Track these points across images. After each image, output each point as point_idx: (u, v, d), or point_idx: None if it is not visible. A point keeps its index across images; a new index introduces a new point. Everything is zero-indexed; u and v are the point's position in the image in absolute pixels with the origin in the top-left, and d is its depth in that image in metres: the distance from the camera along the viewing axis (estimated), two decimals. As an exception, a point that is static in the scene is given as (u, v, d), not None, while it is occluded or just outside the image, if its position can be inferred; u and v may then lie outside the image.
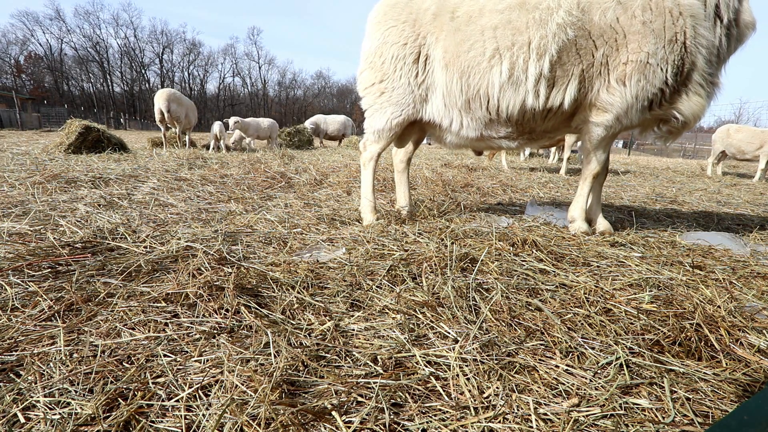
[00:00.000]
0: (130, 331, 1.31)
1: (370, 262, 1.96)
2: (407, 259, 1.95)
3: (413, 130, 2.93)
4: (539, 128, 2.51)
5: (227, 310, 1.43)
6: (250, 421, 0.92)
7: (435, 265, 1.84)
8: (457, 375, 1.12)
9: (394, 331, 1.34)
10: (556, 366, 1.18)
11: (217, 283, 1.59)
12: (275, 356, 1.19)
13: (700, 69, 2.16)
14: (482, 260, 1.88)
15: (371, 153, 2.76)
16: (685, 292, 1.67)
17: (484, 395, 1.06)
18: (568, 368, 1.17)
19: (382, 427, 0.94)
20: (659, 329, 1.36)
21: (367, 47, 2.64)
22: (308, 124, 14.45)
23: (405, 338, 1.30)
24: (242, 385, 1.06)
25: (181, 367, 1.15)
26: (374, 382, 1.09)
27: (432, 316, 1.44)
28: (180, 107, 9.57)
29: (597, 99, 2.28)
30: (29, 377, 1.08)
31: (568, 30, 2.14)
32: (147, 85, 56.67)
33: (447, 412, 1.00)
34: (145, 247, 2.05)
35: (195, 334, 1.31)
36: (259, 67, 67.39)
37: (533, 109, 2.33)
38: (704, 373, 1.17)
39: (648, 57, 2.11)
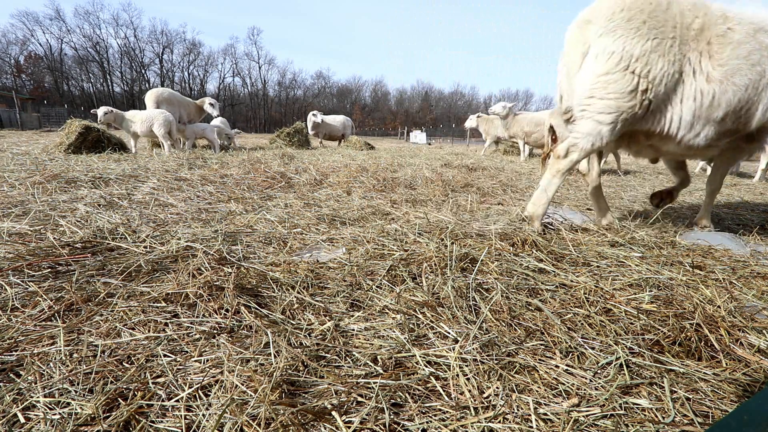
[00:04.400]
0: (130, 331, 1.31)
1: (370, 262, 1.95)
2: (407, 259, 1.95)
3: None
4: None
5: (227, 310, 1.43)
6: (250, 421, 0.92)
7: (435, 265, 1.84)
8: (457, 375, 1.12)
9: (394, 331, 1.34)
10: (556, 366, 1.18)
11: (217, 283, 1.59)
12: (275, 356, 1.19)
13: None
14: (482, 260, 1.88)
15: (572, 160, 2.52)
16: (685, 292, 1.67)
17: (484, 395, 1.06)
18: (568, 368, 1.17)
19: (382, 427, 0.94)
20: (659, 329, 1.36)
21: (612, 48, 2.30)
22: (314, 113, 13.83)
23: (405, 338, 1.29)
24: (242, 385, 1.06)
25: (181, 367, 1.15)
26: (374, 382, 1.09)
27: (432, 316, 1.44)
28: (171, 107, 8.89)
29: None
30: (29, 377, 1.08)
31: None
32: (147, 85, 56.66)
33: (447, 412, 1.00)
34: (145, 247, 2.05)
35: (195, 334, 1.30)
36: (259, 67, 67.38)
37: None
38: (704, 373, 1.17)
39: None
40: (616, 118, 2.36)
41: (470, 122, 13.49)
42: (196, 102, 10.26)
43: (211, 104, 10.19)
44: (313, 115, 13.80)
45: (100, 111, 7.30)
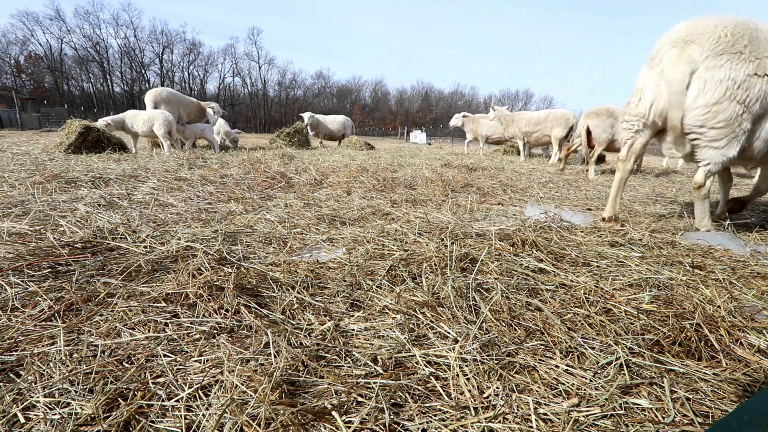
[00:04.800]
0: (130, 331, 1.31)
1: (370, 262, 1.96)
2: (407, 259, 1.95)
3: None
4: None
5: (227, 310, 1.43)
6: (250, 421, 0.92)
7: (435, 265, 1.84)
8: (457, 375, 1.12)
9: (394, 331, 1.34)
10: (556, 366, 1.18)
11: (217, 283, 1.59)
12: (275, 356, 1.19)
13: None
14: (482, 260, 1.88)
15: (711, 181, 2.72)
16: (685, 292, 1.67)
17: (484, 395, 1.06)
18: (568, 368, 1.17)
19: (382, 427, 0.94)
20: (659, 329, 1.36)
21: (720, 76, 2.43)
22: (307, 117, 13.70)
23: (405, 338, 1.29)
24: (242, 385, 1.06)
25: (181, 367, 1.15)
26: (374, 382, 1.09)
27: (432, 316, 1.44)
28: (170, 106, 8.76)
29: None
30: (29, 377, 1.08)
31: None
32: (147, 85, 56.64)
33: (447, 412, 1.00)
34: (145, 247, 2.05)
35: (195, 334, 1.31)
36: (259, 67, 67.29)
37: None
38: (704, 373, 1.17)
39: None
40: (729, 141, 2.53)
41: (455, 121, 12.90)
42: (200, 103, 10.18)
43: (213, 110, 10.14)
44: (304, 114, 13.74)
45: (101, 124, 7.20)
